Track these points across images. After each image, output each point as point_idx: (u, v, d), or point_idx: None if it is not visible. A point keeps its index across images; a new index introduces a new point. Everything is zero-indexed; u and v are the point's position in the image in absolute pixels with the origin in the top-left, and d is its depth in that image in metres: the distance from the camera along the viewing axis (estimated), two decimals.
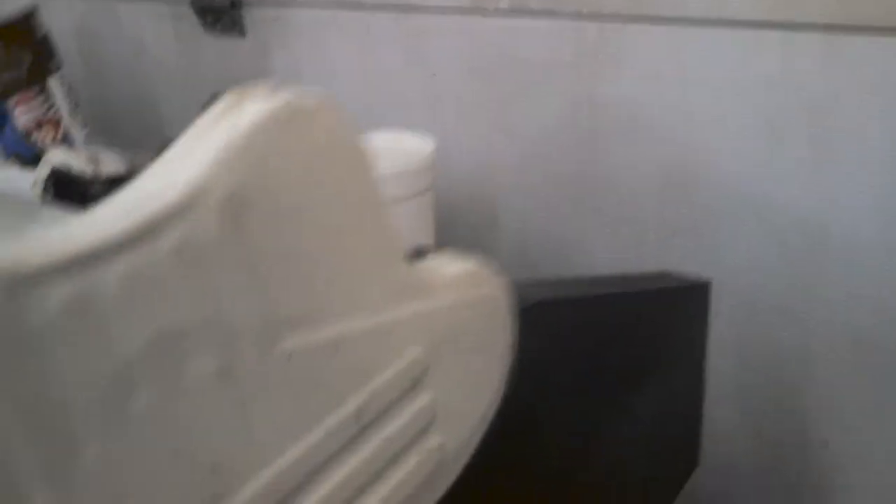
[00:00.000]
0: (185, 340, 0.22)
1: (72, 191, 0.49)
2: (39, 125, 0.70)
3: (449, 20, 0.85)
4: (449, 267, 0.32)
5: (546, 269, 0.86)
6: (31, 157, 0.71)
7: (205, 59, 1.07)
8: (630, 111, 0.76)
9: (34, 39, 0.70)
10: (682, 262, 0.75)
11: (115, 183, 0.52)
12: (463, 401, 0.31)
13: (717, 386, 0.65)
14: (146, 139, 0.90)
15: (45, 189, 0.49)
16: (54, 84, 0.73)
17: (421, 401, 0.29)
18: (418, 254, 0.33)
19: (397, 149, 0.66)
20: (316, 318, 0.25)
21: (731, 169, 0.71)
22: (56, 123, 0.71)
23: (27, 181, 0.56)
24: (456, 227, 0.89)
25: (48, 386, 0.19)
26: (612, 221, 0.80)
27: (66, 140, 0.73)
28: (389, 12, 0.89)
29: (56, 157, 0.52)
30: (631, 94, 0.75)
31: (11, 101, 0.69)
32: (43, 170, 0.51)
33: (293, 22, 0.97)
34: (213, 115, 0.24)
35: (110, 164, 0.52)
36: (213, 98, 0.24)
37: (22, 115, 0.70)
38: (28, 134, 0.70)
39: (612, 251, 0.81)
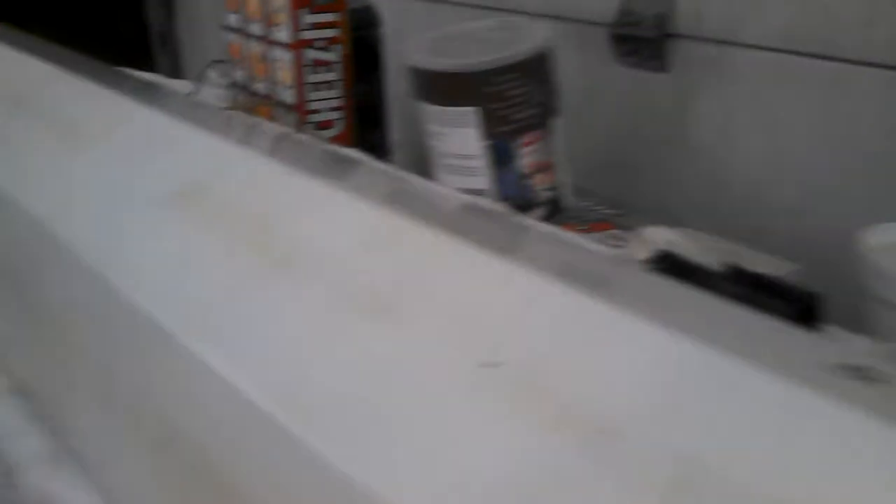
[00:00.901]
0: None
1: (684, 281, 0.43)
2: (537, 169, 0.66)
3: None
4: None
5: None
6: (523, 202, 0.67)
7: (610, 94, 1.00)
8: None
9: (547, 78, 0.66)
10: None
11: (740, 279, 0.44)
12: None
13: None
14: None
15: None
16: (556, 127, 0.68)
17: None
18: None
19: None
20: None
21: None
22: (549, 168, 0.67)
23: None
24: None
25: None
26: None
27: (554, 187, 0.69)
28: (875, 68, 0.77)
29: (659, 236, 0.45)
30: None
31: (518, 142, 0.65)
32: (643, 250, 0.45)
33: (735, 62, 0.88)
34: None
35: (708, 247, 0.45)
36: None
37: (526, 156, 0.66)
38: (526, 176, 0.66)
39: None
